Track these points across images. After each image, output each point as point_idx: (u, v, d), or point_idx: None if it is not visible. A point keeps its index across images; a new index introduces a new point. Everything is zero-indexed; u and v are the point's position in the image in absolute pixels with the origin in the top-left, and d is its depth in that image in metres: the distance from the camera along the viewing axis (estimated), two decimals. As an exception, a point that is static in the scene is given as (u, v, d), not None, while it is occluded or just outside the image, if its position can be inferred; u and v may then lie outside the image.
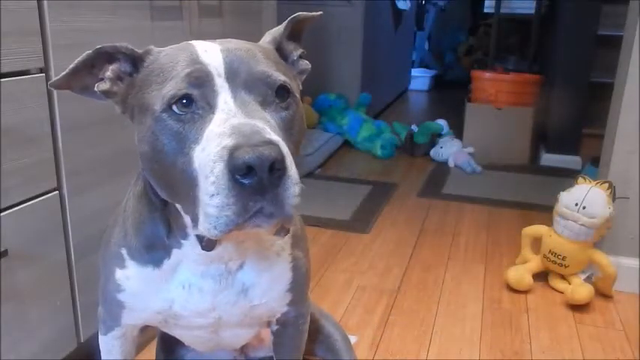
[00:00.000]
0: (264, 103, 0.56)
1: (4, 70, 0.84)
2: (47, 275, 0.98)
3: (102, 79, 0.60)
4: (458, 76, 4.98)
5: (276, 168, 0.48)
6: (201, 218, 0.50)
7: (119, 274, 0.69)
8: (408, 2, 3.91)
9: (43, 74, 0.92)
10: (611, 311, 1.50)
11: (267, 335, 0.91)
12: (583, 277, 1.57)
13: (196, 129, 0.52)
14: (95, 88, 0.60)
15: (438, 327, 1.40)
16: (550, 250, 1.58)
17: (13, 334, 0.92)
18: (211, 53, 0.56)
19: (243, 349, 1.00)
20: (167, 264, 0.66)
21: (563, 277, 1.60)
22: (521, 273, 1.58)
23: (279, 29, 0.67)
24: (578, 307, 1.50)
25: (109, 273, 0.70)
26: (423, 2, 5.14)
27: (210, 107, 0.53)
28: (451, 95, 4.30)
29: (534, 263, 1.63)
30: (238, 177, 0.47)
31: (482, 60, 4.26)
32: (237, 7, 1.52)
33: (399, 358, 1.27)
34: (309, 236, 0.83)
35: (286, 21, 0.68)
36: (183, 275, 0.67)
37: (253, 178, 0.47)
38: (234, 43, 0.59)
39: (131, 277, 0.68)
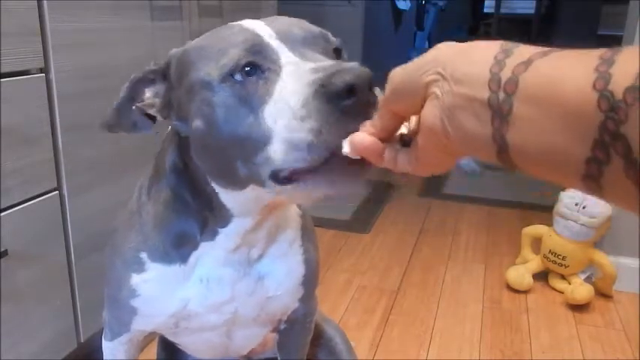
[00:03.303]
0: (326, 56, 0.54)
1: (4, 70, 0.84)
2: (47, 275, 0.98)
3: (145, 105, 0.59)
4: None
5: (372, 88, 0.45)
6: (283, 150, 0.48)
7: (136, 279, 0.67)
8: (408, 2, 3.91)
9: (43, 74, 0.92)
10: (611, 311, 1.50)
11: (270, 339, 0.91)
12: (583, 277, 1.57)
13: (262, 91, 0.50)
14: (133, 107, 0.59)
15: (438, 327, 1.40)
16: (550, 250, 1.58)
17: (13, 334, 0.92)
18: (253, 24, 0.56)
19: (247, 353, 0.99)
20: (194, 256, 0.66)
21: (563, 277, 1.60)
22: (521, 273, 1.58)
23: None
24: (578, 307, 1.50)
25: (122, 280, 0.68)
26: (423, 2, 5.14)
27: (275, 68, 0.51)
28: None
29: (534, 263, 1.63)
30: (336, 100, 0.44)
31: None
32: (237, 7, 1.52)
33: (399, 358, 1.27)
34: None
35: None
36: (204, 268, 0.67)
37: (352, 98, 0.44)
38: (272, 18, 0.58)
39: (150, 280, 0.67)
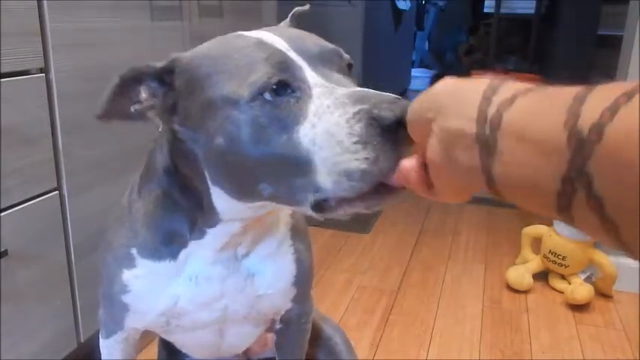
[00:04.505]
0: (342, 74, 0.55)
1: (4, 70, 0.84)
2: (47, 275, 0.98)
3: (138, 102, 0.58)
4: (458, 76, 4.96)
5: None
6: (334, 179, 0.48)
7: (127, 275, 0.68)
8: (408, 2, 3.91)
9: (43, 74, 0.92)
10: (611, 311, 1.50)
11: (269, 338, 0.91)
12: (583, 277, 1.57)
13: (295, 111, 0.50)
14: (132, 109, 0.58)
15: (438, 327, 1.40)
16: (550, 250, 1.58)
17: (13, 334, 0.92)
18: (267, 36, 0.55)
19: (245, 352, 0.99)
20: (183, 253, 0.66)
21: (563, 277, 1.60)
22: (521, 273, 1.58)
23: (285, 23, 0.68)
24: (578, 307, 1.50)
25: (113, 276, 0.69)
26: (423, 2, 5.14)
27: (304, 87, 0.51)
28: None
29: (534, 263, 1.63)
30: (389, 131, 0.46)
31: (482, 60, 4.26)
32: (238, 7, 1.52)
33: (399, 358, 1.27)
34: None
35: (290, 15, 0.69)
36: (192, 266, 0.67)
37: (402, 129, 0.46)
38: (279, 29, 0.58)
39: (140, 276, 0.68)
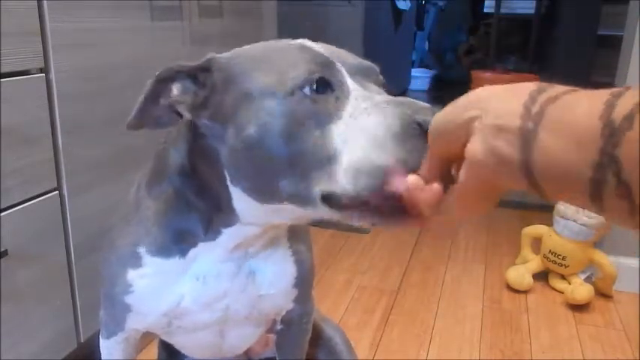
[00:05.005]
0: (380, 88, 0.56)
1: (4, 70, 0.84)
2: (47, 275, 0.98)
3: (174, 102, 0.58)
4: (458, 76, 4.98)
5: None
6: (353, 174, 0.48)
7: (131, 274, 0.67)
8: (408, 2, 3.91)
9: (43, 74, 0.92)
10: (611, 311, 1.50)
11: (270, 339, 0.91)
12: (583, 277, 1.57)
13: (332, 109, 0.51)
14: (164, 102, 0.57)
15: (438, 327, 1.40)
16: (550, 250, 1.58)
17: (13, 334, 0.92)
18: (309, 43, 0.56)
19: (246, 353, 0.99)
20: (193, 252, 0.66)
21: (563, 277, 1.60)
22: (521, 273, 1.58)
23: None
24: (578, 307, 1.50)
25: (116, 275, 0.69)
26: (423, 2, 5.14)
27: (344, 88, 0.52)
28: (451, 95, 4.21)
29: (534, 263, 1.63)
30: (420, 137, 0.47)
31: (482, 60, 4.26)
32: (237, 7, 1.52)
33: (399, 358, 1.27)
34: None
35: None
36: (201, 264, 0.67)
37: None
38: (316, 44, 0.59)
39: (146, 276, 0.67)
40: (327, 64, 0.53)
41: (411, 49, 4.92)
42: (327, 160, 0.49)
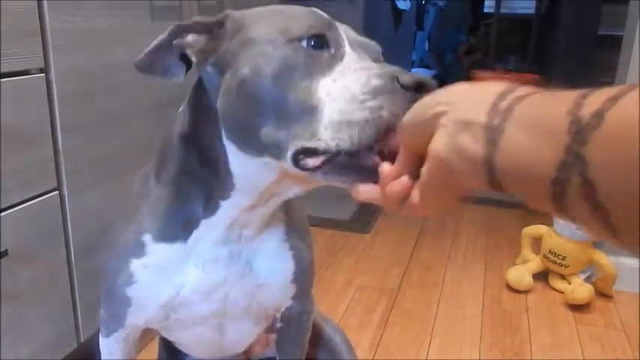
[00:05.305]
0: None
1: (4, 70, 0.84)
2: (47, 275, 0.98)
3: (184, 44, 0.61)
4: (458, 76, 4.98)
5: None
6: (335, 127, 0.50)
7: (135, 264, 0.68)
8: (408, 2, 3.92)
9: (43, 74, 0.92)
10: (611, 311, 1.50)
11: (270, 339, 0.91)
12: (583, 277, 1.57)
13: (324, 65, 0.54)
14: (177, 43, 0.60)
15: (437, 327, 1.40)
16: (550, 250, 1.58)
17: (13, 334, 0.92)
18: (320, 11, 0.60)
19: (246, 353, 0.99)
20: (194, 234, 0.67)
21: (563, 277, 1.60)
22: (521, 273, 1.58)
23: None
24: (578, 307, 1.50)
25: (119, 267, 0.69)
26: (423, 2, 5.14)
27: (339, 49, 0.56)
28: (451, 95, 4.28)
29: (534, 263, 1.63)
30: (402, 90, 0.49)
31: (482, 60, 4.26)
32: (237, 7, 1.52)
33: (399, 359, 1.28)
34: (309, 236, 0.83)
35: None
36: (201, 248, 0.68)
37: (420, 93, 0.47)
38: None
39: (149, 265, 0.68)
40: (329, 26, 0.57)
41: (411, 49, 4.92)
42: (309, 112, 0.51)
